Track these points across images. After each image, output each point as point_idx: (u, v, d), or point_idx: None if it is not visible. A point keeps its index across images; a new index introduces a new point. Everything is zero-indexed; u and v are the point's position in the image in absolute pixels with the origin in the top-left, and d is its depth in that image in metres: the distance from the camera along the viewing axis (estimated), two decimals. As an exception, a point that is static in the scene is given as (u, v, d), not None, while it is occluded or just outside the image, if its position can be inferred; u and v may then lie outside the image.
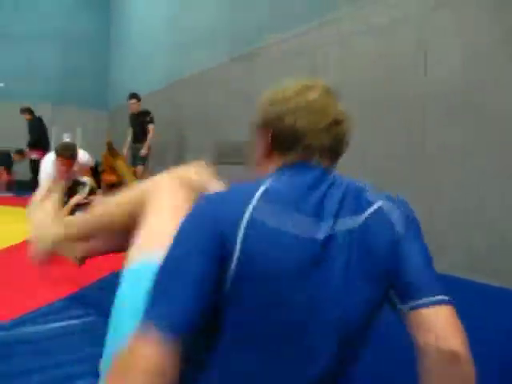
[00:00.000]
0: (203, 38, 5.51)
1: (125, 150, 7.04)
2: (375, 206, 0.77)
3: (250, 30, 4.52)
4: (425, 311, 0.70)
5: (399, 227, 0.76)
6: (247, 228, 0.71)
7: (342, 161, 0.90)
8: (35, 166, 7.47)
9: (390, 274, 0.74)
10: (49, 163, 3.51)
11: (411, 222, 0.78)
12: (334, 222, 0.74)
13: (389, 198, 0.80)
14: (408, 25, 2.85)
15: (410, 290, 0.72)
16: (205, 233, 0.72)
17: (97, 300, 1.90)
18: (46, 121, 7.35)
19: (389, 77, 2.96)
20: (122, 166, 7.21)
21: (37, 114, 7.30)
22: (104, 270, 2.27)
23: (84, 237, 1.35)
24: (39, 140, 7.21)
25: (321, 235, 0.73)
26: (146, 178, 1.60)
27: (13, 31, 8.96)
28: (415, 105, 2.80)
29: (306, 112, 0.82)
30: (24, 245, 2.97)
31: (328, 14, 3.44)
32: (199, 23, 5.60)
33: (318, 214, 0.74)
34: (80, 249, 1.45)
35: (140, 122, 5.77)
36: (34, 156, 7.17)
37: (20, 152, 7.80)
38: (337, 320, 0.72)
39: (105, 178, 7.76)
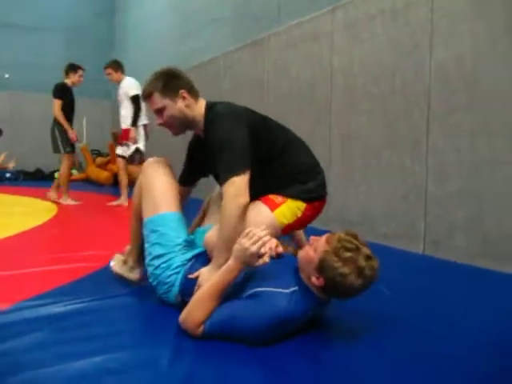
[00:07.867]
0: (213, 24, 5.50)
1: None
2: None
3: (259, 16, 4.48)
4: None
5: None
6: None
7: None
8: None
9: None
10: None
11: None
12: None
13: None
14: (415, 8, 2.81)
15: None
16: None
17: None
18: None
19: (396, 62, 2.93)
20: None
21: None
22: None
23: None
24: None
25: None
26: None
27: (16, 22, 8.96)
28: (419, 93, 2.78)
29: None
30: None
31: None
32: (207, 9, 5.58)
33: None
34: None
35: None
36: None
37: None
38: None
39: (111, 167, 7.75)
